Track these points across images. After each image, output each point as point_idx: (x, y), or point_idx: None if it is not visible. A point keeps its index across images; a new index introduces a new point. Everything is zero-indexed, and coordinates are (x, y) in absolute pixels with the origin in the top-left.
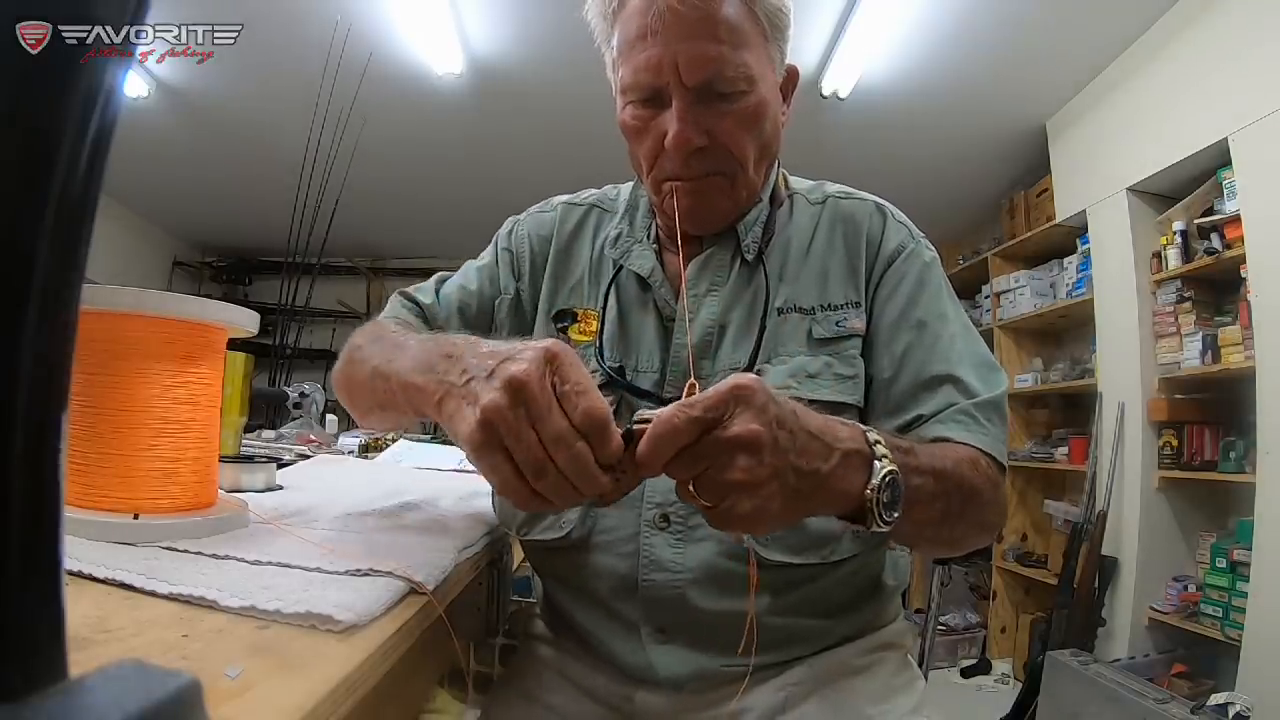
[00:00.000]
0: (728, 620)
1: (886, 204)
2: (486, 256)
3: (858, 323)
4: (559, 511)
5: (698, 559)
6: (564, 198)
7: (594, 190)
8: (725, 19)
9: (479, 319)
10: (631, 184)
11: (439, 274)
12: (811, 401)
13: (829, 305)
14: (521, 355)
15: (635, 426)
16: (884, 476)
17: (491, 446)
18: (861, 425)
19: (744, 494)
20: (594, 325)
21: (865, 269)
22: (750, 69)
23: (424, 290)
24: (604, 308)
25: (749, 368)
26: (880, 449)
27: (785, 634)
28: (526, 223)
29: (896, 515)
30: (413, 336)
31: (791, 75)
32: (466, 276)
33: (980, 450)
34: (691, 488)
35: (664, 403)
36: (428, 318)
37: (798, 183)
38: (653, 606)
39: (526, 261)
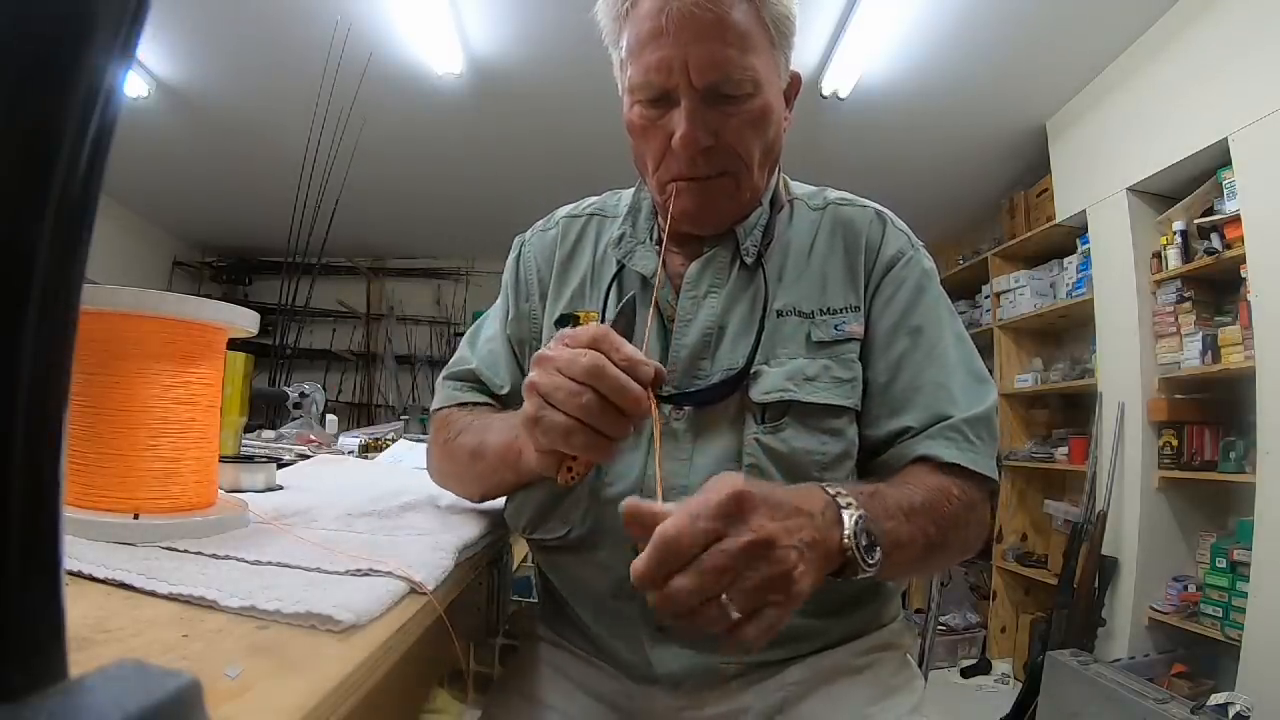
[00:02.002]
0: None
1: (886, 211)
2: (500, 297)
3: (856, 326)
4: (627, 438)
5: None
6: (565, 211)
7: (595, 198)
8: (735, 24)
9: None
10: (634, 188)
11: (464, 338)
12: (809, 404)
13: (828, 309)
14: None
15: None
16: (855, 521)
17: (543, 427)
18: (818, 485)
19: (781, 586)
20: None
21: (864, 274)
22: (757, 73)
23: (460, 361)
24: (604, 307)
25: (746, 368)
26: (843, 499)
27: (783, 633)
28: (532, 244)
29: (879, 555)
30: (493, 419)
31: (794, 82)
32: (492, 326)
33: (967, 469)
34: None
35: (662, 401)
36: (484, 383)
37: (799, 188)
38: (649, 605)
39: (535, 284)
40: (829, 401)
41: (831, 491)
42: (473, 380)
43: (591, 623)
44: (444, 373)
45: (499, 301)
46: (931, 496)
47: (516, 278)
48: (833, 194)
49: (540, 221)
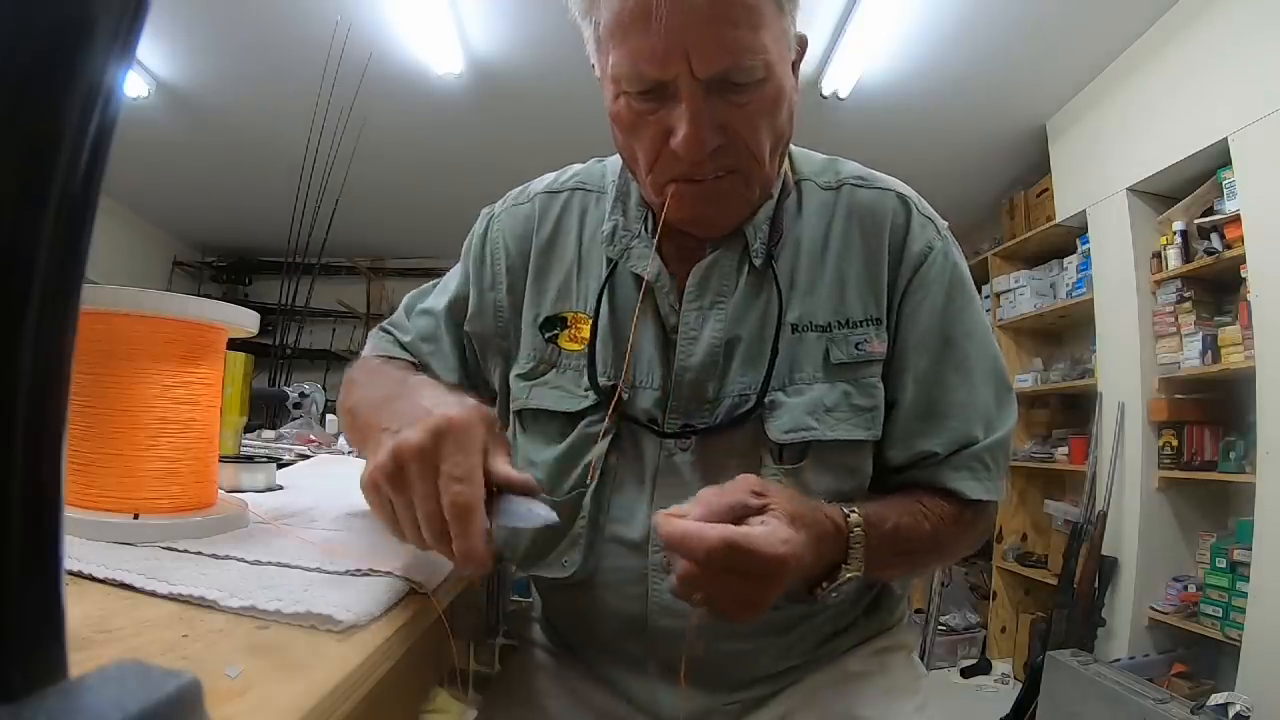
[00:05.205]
0: (734, 660)
1: (910, 194)
2: (458, 275)
3: (879, 344)
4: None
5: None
6: (543, 185)
7: (577, 167)
8: None
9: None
10: (620, 162)
11: (408, 299)
12: (830, 442)
13: (847, 322)
14: (414, 427)
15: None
16: (845, 578)
17: (375, 502)
18: (841, 527)
19: (745, 612)
20: (586, 331)
21: (889, 277)
22: (769, 53)
23: (404, 320)
24: (596, 313)
25: (761, 396)
26: (855, 550)
27: (783, 668)
28: (502, 220)
29: (839, 596)
30: (380, 379)
31: (802, 47)
32: (438, 301)
33: (979, 500)
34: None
35: (666, 436)
36: (412, 345)
37: (806, 161)
38: (660, 647)
39: (503, 269)
40: (849, 437)
41: (854, 538)
42: (407, 353)
43: (594, 657)
44: (381, 324)
45: (456, 280)
46: (940, 528)
47: (482, 260)
48: (847, 169)
49: (514, 192)
